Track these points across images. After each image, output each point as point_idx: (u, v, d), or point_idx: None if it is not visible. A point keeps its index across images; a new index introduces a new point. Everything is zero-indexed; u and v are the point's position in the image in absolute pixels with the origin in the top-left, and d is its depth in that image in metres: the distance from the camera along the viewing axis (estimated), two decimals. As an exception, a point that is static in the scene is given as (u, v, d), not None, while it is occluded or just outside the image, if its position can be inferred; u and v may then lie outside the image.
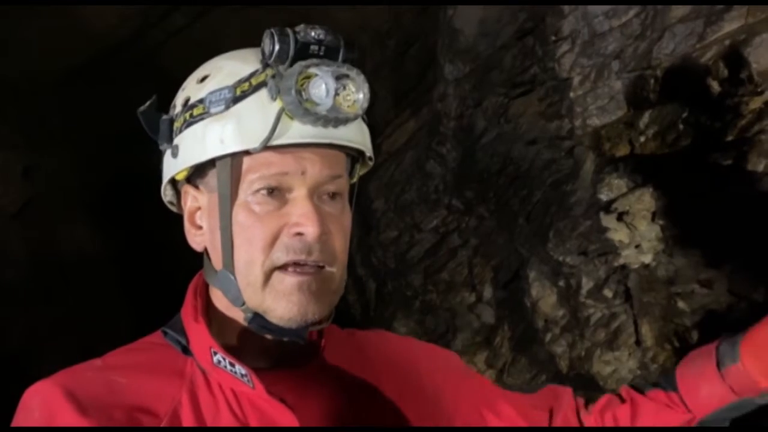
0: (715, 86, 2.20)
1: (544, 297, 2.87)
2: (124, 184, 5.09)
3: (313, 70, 0.81)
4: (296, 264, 0.82)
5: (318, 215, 0.81)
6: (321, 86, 0.80)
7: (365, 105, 0.84)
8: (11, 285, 4.54)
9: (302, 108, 0.79)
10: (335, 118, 0.82)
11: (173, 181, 0.91)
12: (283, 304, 0.82)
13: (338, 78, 0.82)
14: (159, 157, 0.91)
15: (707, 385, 0.96)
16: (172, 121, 0.87)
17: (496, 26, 3.22)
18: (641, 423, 1.00)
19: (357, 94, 0.83)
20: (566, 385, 1.12)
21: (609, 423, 1.03)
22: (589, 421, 1.04)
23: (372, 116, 0.90)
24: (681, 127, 2.34)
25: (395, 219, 3.99)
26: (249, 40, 0.91)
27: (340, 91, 0.82)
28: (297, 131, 0.81)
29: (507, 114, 3.16)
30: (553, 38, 2.74)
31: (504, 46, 3.19)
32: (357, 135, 0.86)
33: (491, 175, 3.27)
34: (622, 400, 1.04)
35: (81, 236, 5.31)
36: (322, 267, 0.83)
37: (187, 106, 0.86)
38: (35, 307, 4.66)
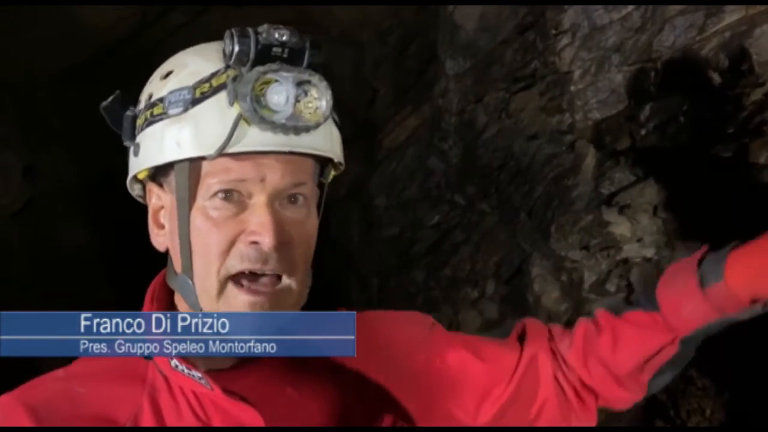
0: (716, 78, 2.20)
1: (547, 292, 2.87)
2: (124, 182, 5.09)
3: (272, 76, 0.77)
4: (252, 274, 0.79)
5: (275, 224, 0.78)
6: (281, 93, 0.77)
7: (327, 113, 0.80)
8: (12, 283, 4.54)
9: (259, 116, 0.76)
10: (295, 126, 0.78)
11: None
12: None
13: (299, 84, 0.78)
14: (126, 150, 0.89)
15: (690, 304, 0.92)
16: (135, 118, 0.85)
17: (497, 21, 3.22)
18: (624, 351, 0.96)
19: (319, 101, 0.79)
20: None
21: (593, 367, 0.98)
22: (572, 358, 1.00)
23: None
24: (682, 119, 2.33)
25: (397, 215, 3.99)
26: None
27: (301, 97, 0.78)
28: (256, 138, 0.77)
29: (508, 109, 3.16)
30: (554, 32, 2.74)
31: (504, 40, 3.19)
32: (323, 142, 0.81)
33: (493, 171, 3.27)
34: (600, 328, 1.00)
35: (81, 235, 5.32)
36: (280, 277, 0.80)
37: (149, 103, 0.83)
38: (35, 306, 4.65)
